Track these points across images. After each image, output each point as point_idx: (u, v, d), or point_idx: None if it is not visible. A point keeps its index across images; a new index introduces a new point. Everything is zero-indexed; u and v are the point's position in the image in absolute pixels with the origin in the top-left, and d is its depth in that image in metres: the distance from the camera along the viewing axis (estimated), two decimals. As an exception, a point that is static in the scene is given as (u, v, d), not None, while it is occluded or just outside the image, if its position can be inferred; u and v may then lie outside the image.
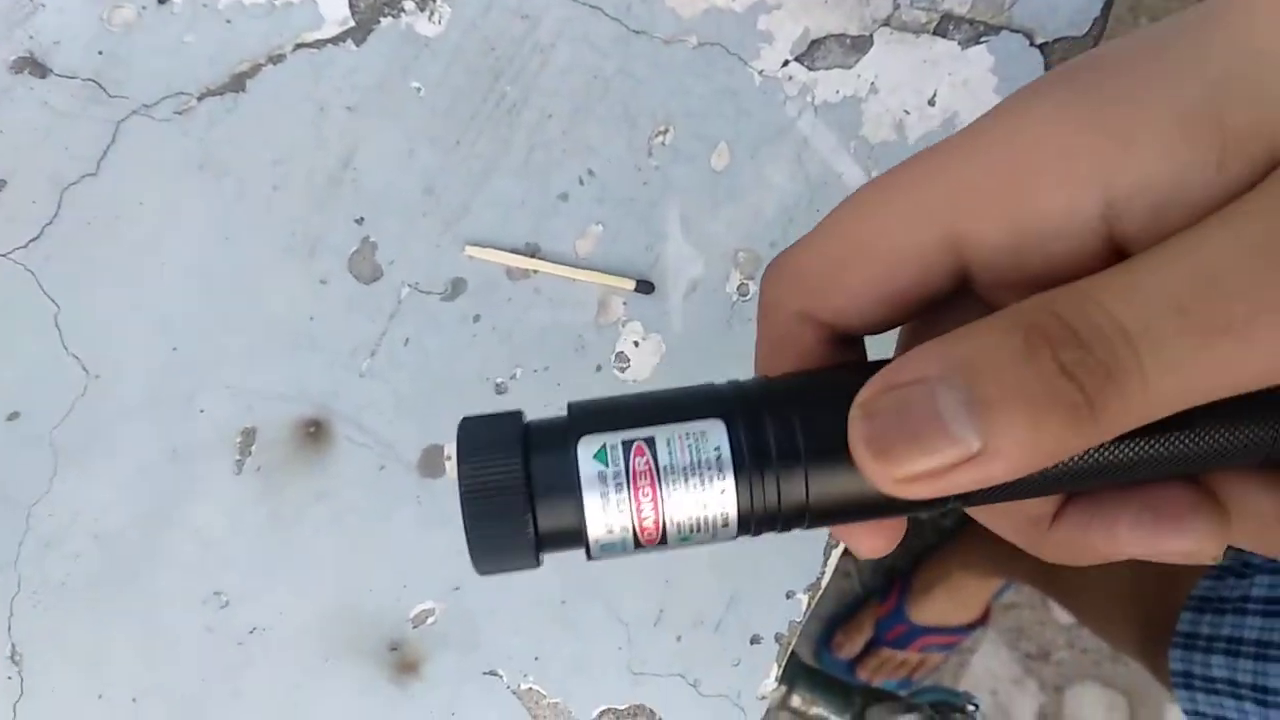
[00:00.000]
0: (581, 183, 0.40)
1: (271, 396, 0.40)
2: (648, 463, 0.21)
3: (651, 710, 0.41)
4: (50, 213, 0.39)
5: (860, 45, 0.40)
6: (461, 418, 0.22)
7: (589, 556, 0.22)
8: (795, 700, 0.55)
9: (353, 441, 0.40)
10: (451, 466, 0.40)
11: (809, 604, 0.41)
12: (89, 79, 0.39)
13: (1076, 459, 0.20)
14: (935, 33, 0.40)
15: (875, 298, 0.21)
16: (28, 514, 0.39)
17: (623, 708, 0.41)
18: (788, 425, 0.21)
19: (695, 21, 0.40)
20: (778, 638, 0.41)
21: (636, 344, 0.41)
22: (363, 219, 0.40)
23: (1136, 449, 0.20)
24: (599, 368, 0.41)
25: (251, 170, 0.39)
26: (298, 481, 0.40)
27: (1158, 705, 1.47)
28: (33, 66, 0.39)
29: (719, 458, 0.21)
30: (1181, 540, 0.20)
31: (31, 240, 0.39)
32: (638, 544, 0.21)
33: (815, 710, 0.54)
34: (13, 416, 0.39)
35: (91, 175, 0.39)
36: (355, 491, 0.40)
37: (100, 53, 0.39)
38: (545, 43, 0.40)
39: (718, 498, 0.21)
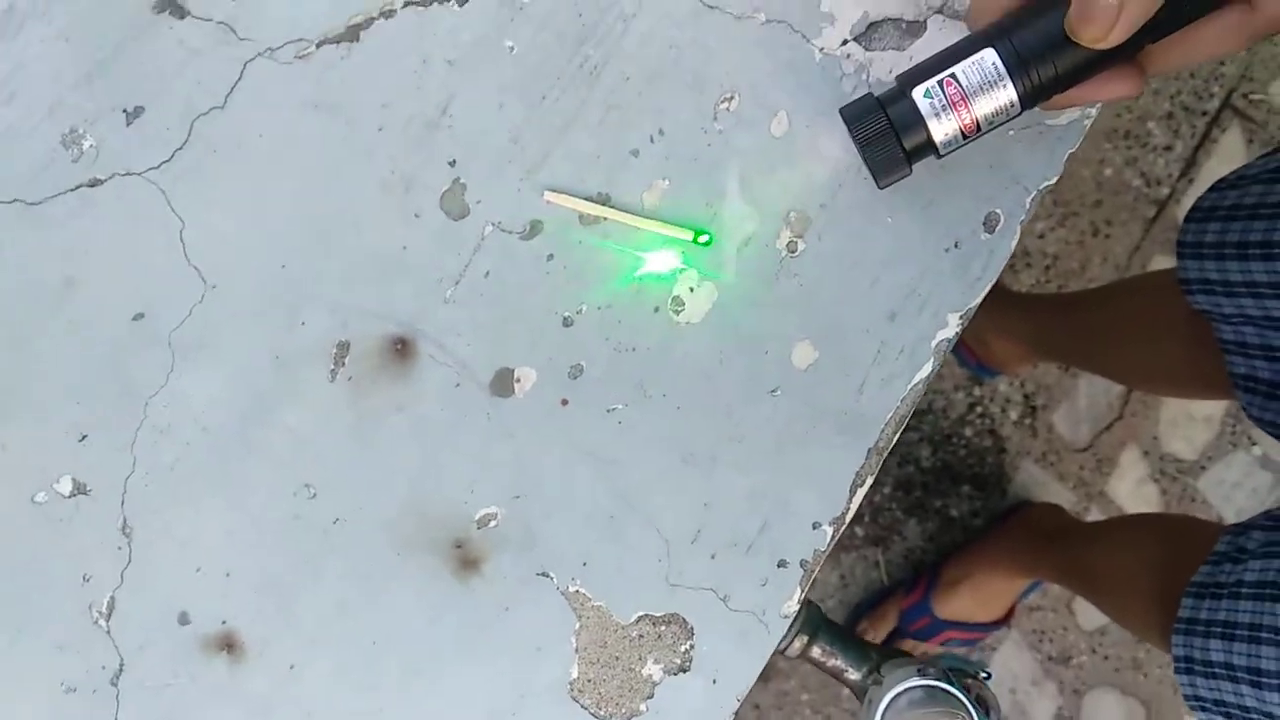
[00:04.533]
0: (652, 141, 0.44)
1: (365, 314, 0.44)
2: (956, 88, 0.36)
3: (684, 619, 0.45)
4: (181, 139, 0.44)
5: (914, 30, 0.44)
6: (839, 108, 0.39)
7: (939, 155, 0.38)
8: (816, 651, 0.58)
9: (434, 360, 0.45)
10: (519, 388, 0.45)
11: (832, 535, 0.45)
12: (222, 22, 0.44)
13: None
14: (984, 22, 0.44)
15: None
16: (145, 404, 0.44)
17: (659, 614, 0.45)
18: (1030, 35, 0.35)
19: (765, 0, 0.44)
20: (802, 564, 0.45)
21: (691, 290, 0.45)
22: (455, 162, 0.44)
23: None
24: (656, 309, 0.45)
25: (360, 112, 0.44)
26: (383, 392, 0.45)
27: (1176, 715, 1.48)
28: (173, 8, 0.44)
29: (997, 69, 0.36)
30: None
31: (164, 162, 0.44)
32: (965, 136, 0.37)
33: (834, 662, 0.57)
34: (138, 317, 0.44)
35: (219, 108, 0.44)
36: (433, 404, 0.45)
37: None
38: (628, 12, 0.44)
39: (1005, 93, 0.36)
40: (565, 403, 0.45)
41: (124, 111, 0.43)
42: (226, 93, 0.44)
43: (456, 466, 0.45)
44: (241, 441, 0.44)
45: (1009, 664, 1.48)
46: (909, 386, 0.45)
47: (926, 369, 0.45)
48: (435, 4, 0.44)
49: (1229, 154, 1.47)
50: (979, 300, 0.45)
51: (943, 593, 1.34)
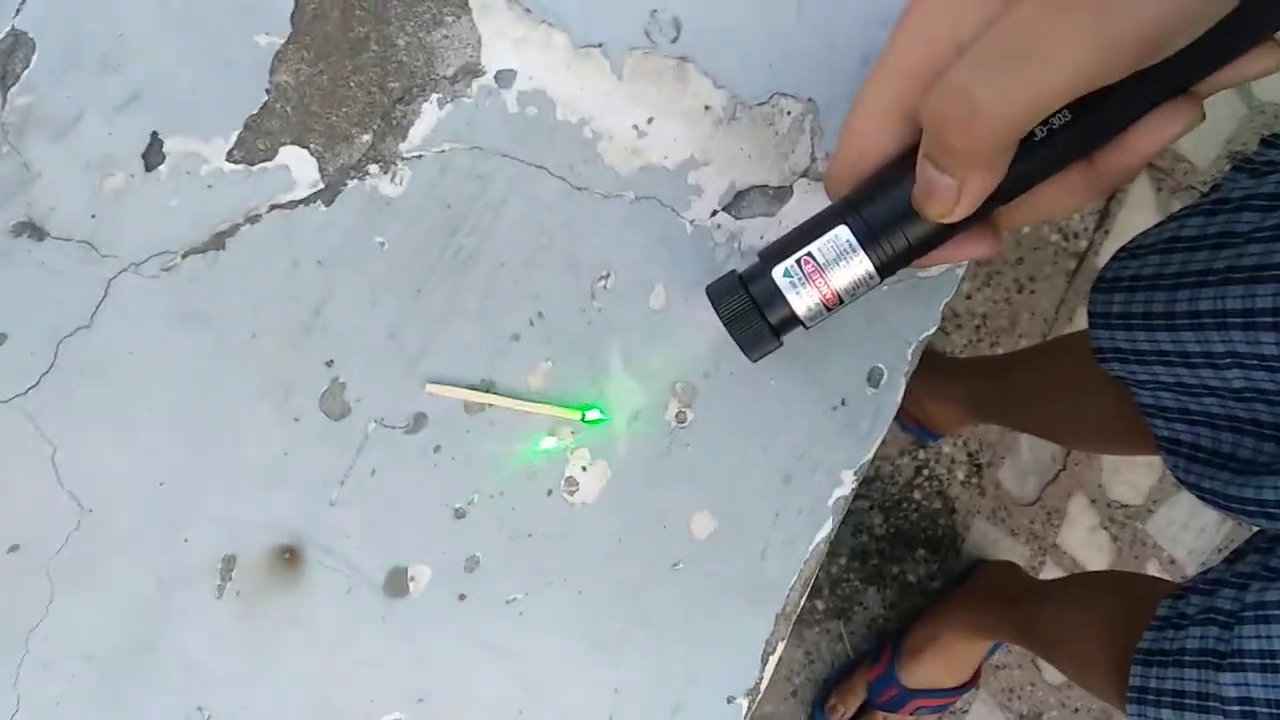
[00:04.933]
0: (532, 324, 0.44)
1: (250, 526, 0.43)
2: (814, 265, 0.37)
3: (602, 813, 0.44)
4: (47, 363, 0.43)
5: (781, 195, 0.44)
6: (706, 286, 0.40)
7: (806, 327, 0.39)
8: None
9: (324, 566, 0.44)
10: (414, 586, 0.44)
11: (748, 709, 0.44)
12: (83, 240, 0.43)
13: (1013, 172, 0.32)
14: (849, 182, 0.44)
15: (881, 160, 0.36)
16: (26, 638, 0.43)
17: (575, 811, 0.44)
18: (881, 209, 0.36)
19: (632, 178, 0.44)
20: (719, 741, 0.44)
21: (584, 469, 0.44)
22: (332, 361, 0.44)
23: (1037, 155, 0.34)
24: (550, 492, 0.44)
25: (231, 320, 0.43)
26: (274, 604, 0.43)
27: (1148, 765, 1.47)
28: (31, 230, 0.43)
29: (851, 245, 0.36)
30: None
31: (30, 388, 0.43)
32: (828, 309, 0.38)
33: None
34: (13, 549, 0.43)
35: (85, 328, 0.43)
36: (326, 612, 0.43)
37: (93, 216, 0.43)
38: (497, 200, 0.44)
39: (861, 266, 0.36)
40: (463, 597, 0.44)
41: (-14, 341, 0.42)
42: (92, 312, 0.43)
43: (355, 674, 0.44)
44: (130, 670, 0.43)
45: (981, 726, 1.47)
46: (810, 547, 0.45)
47: (826, 528, 0.45)
48: (301, 206, 0.44)
49: (1140, 203, 1.51)
50: (871, 455, 0.45)
51: (908, 661, 1.33)
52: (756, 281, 0.38)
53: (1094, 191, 0.35)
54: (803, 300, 0.37)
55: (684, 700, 0.44)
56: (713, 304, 0.39)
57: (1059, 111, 0.33)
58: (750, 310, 0.38)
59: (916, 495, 1.48)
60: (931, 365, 1.28)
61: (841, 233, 0.36)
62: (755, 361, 0.40)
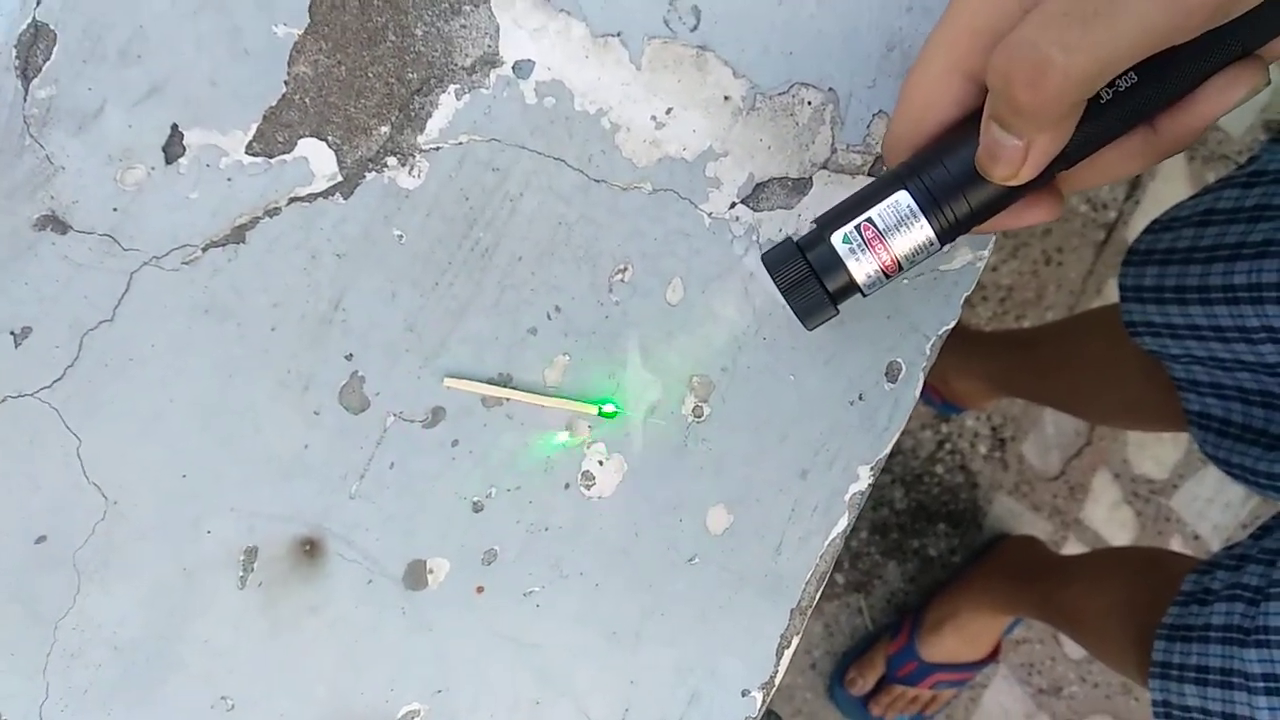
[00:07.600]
0: (549, 318, 0.44)
1: (271, 518, 0.44)
2: (874, 231, 0.36)
3: (618, 802, 0.44)
4: (71, 356, 0.43)
5: (801, 187, 0.44)
6: (761, 254, 0.40)
7: (864, 295, 0.38)
8: (777, 765, 0.57)
9: (344, 558, 0.44)
10: (433, 578, 0.44)
11: (762, 701, 0.44)
12: (105, 234, 0.43)
13: (1078, 135, 0.32)
14: (869, 174, 0.44)
15: (942, 124, 0.36)
16: (55, 628, 0.43)
17: (592, 800, 0.44)
18: (942, 174, 0.35)
19: (650, 170, 0.44)
20: (734, 733, 0.45)
21: (601, 463, 0.44)
22: (351, 355, 0.44)
23: (1102, 117, 0.33)
24: (567, 485, 0.44)
25: (251, 313, 0.44)
26: (295, 595, 0.44)
27: (1169, 740, 1.47)
28: (54, 224, 0.43)
29: (912, 211, 0.36)
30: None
31: (55, 381, 0.43)
32: (888, 276, 0.37)
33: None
34: (40, 540, 0.43)
35: (108, 321, 0.43)
36: (346, 603, 0.44)
37: (115, 210, 0.43)
38: (514, 192, 0.44)
39: (921, 231, 0.36)
40: (481, 590, 0.44)
41: (11, 334, 0.43)
42: (114, 305, 0.43)
43: (375, 665, 0.44)
44: (155, 658, 0.44)
45: (1000, 700, 1.48)
46: (826, 543, 0.45)
47: (842, 523, 0.45)
48: (320, 198, 0.44)
49: (1172, 173, 1.48)
50: (888, 450, 0.45)
51: (927, 636, 1.33)
52: (814, 248, 0.37)
53: (1155, 154, 0.35)
54: (862, 267, 0.37)
55: (700, 692, 0.45)
56: (769, 271, 0.38)
57: (1125, 73, 0.33)
58: (808, 278, 0.37)
59: (938, 469, 1.47)
60: (959, 338, 1.28)
61: (902, 198, 0.36)
62: (811, 330, 0.40)
